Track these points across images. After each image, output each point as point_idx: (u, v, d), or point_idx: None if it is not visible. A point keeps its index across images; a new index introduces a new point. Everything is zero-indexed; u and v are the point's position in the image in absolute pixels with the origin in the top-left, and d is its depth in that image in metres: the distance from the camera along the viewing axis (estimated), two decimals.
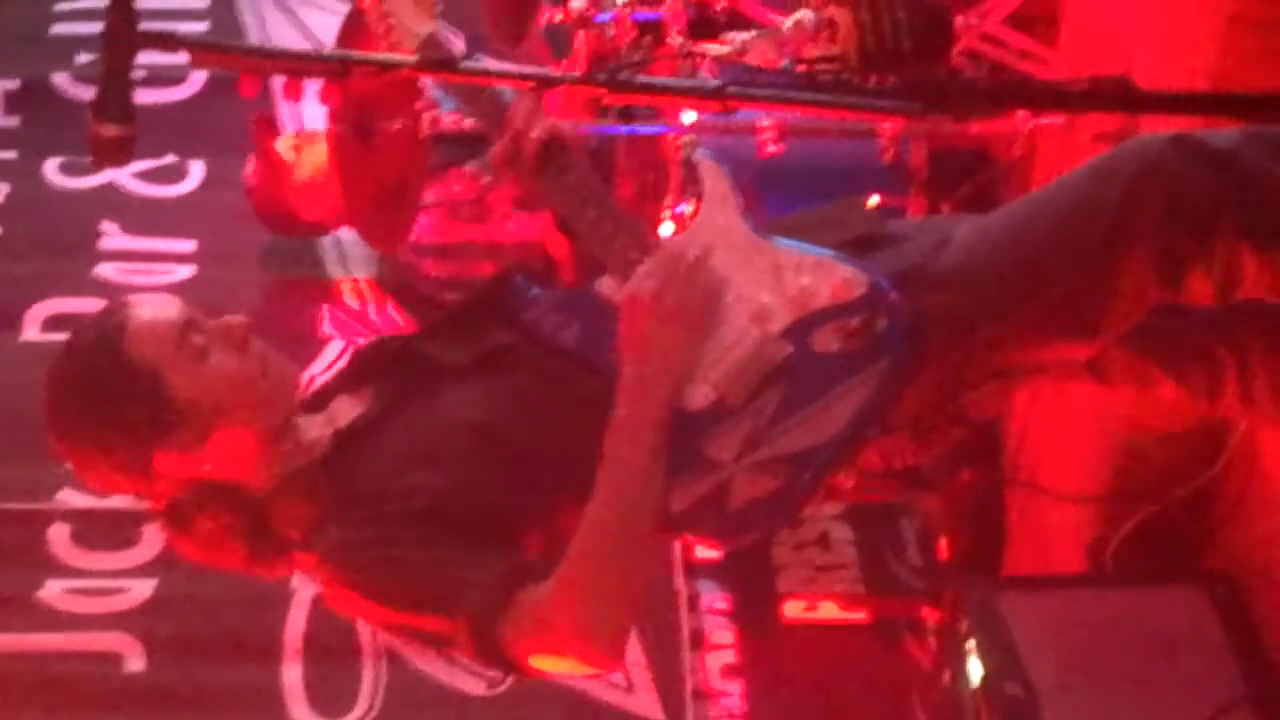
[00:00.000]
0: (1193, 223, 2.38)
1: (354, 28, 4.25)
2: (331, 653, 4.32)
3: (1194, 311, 2.57)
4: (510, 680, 4.24)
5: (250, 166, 5.14)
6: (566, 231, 2.62)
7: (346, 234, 5.20)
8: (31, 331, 5.01)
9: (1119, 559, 3.52)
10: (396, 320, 5.04)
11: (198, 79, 5.62)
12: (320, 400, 2.65)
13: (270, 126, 5.17)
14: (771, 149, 4.00)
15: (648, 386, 2.44)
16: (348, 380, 2.67)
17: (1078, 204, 2.44)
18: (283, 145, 5.12)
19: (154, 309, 2.57)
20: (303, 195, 5.12)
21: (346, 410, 2.60)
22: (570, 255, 2.66)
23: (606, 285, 2.55)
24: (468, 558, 2.40)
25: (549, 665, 2.41)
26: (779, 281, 2.47)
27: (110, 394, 2.50)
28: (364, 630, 4.30)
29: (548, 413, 2.53)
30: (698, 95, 2.36)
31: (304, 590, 4.33)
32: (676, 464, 2.41)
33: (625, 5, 4.24)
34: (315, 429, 2.58)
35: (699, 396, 2.44)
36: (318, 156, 5.03)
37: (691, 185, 2.60)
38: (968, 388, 2.52)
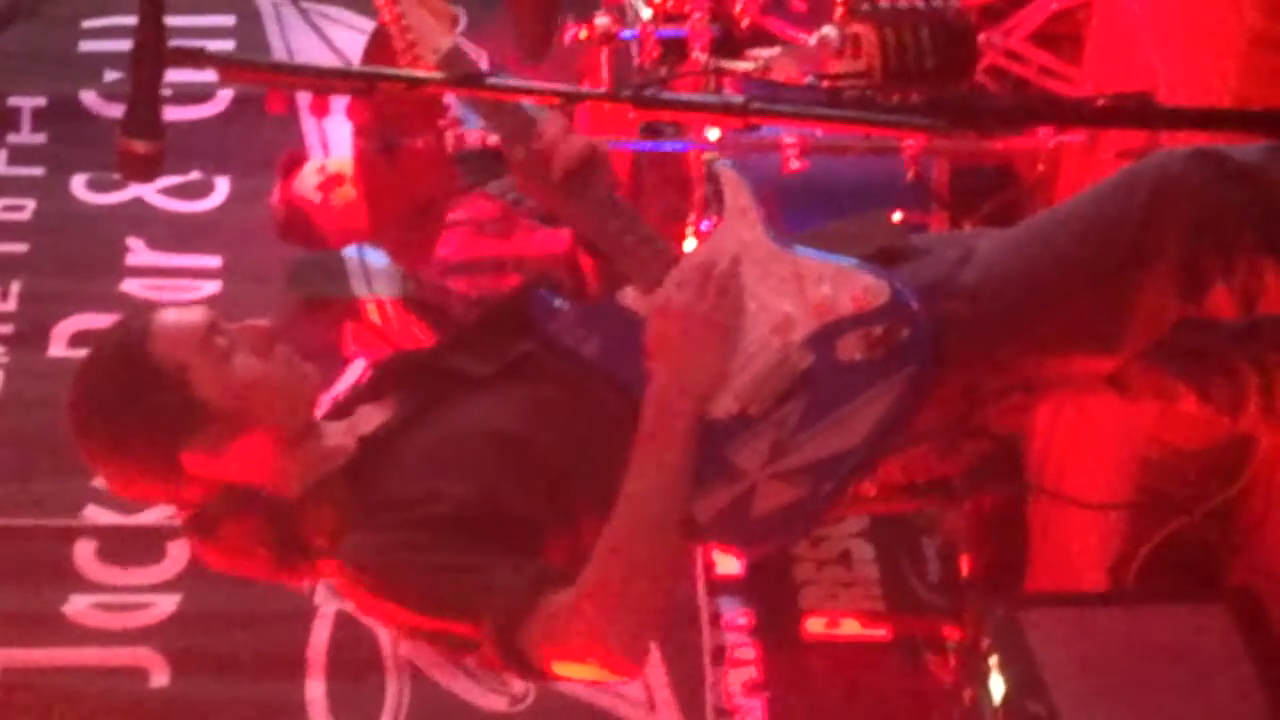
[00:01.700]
0: (1215, 236, 2.39)
1: (378, 45, 4.27)
2: (355, 668, 4.34)
3: (1216, 326, 2.57)
4: (532, 698, 4.25)
5: (274, 197, 5.16)
6: (587, 245, 2.63)
7: (371, 252, 5.22)
8: (58, 347, 5.03)
9: (1142, 576, 3.51)
10: (421, 338, 5.06)
11: (224, 96, 5.63)
12: (345, 410, 2.66)
13: (298, 159, 5.19)
14: (795, 165, 4.01)
15: (676, 395, 2.45)
16: (372, 390, 2.68)
17: (1100, 217, 2.45)
18: (307, 185, 5.12)
19: (178, 313, 2.59)
20: (329, 229, 5.13)
21: (371, 419, 2.61)
22: (594, 267, 2.68)
23: (629, 297, 2.56)
24: (491, 562, 2.41)
25: (572, 671, 2.42)
26: (800, 290, 2.48)
27: (136, 395, 2.52)
28: (387, 646, 4.32)
29: (570, 423, 2.54)
30: (722, 111, 2.37)
31: (327, 606, 4.35)
32: (701, 473, 2.43)
33: (649, 22, 4.26)
34: (339, 436, 2.60)
35: (722, 406, 2.46)
36: (343, 198, 5.04)
37: (715, 201, 2.62)
38: (990, 400, 2.53)
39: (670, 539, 2.42)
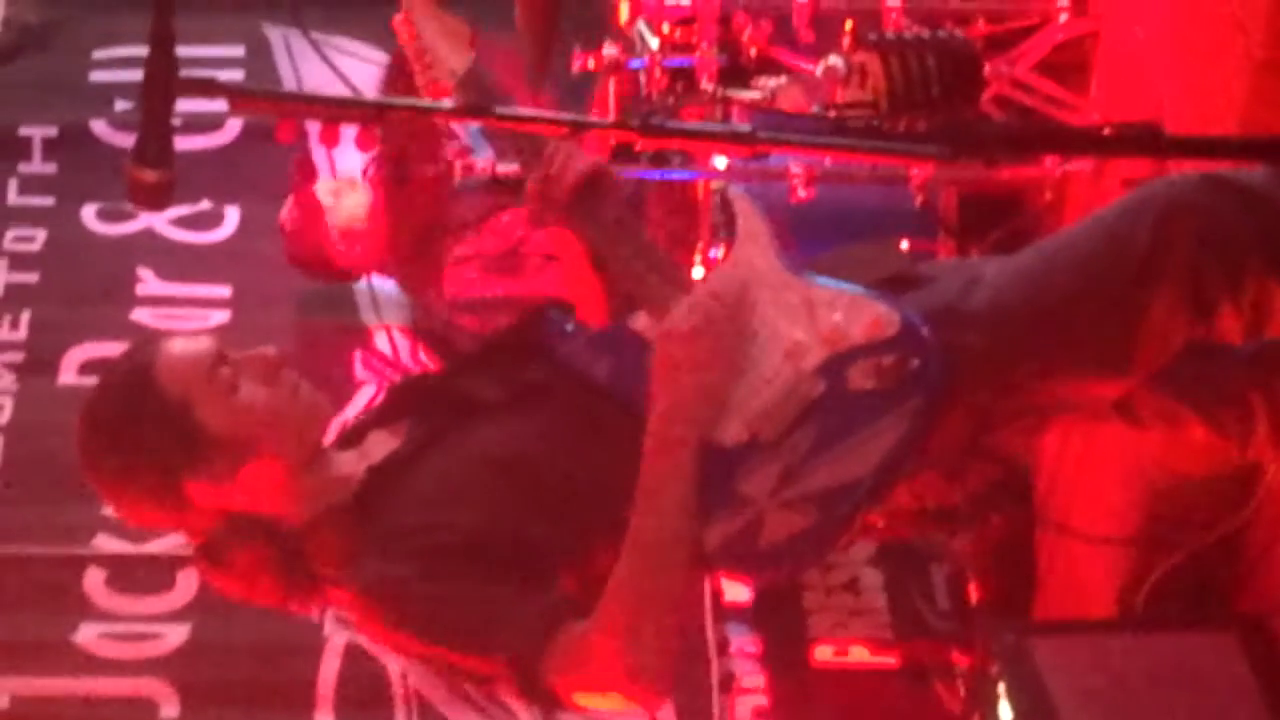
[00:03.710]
0: (1222, 260, 2.40)
1: (395, 74, 4.30)
2: (364, 701, 4.33)
3: (1225, 353, 2.58)
4: None
5: (287, 208, 5.18)
6: (600, 267, 2.64)
7: (380, 281, 5.23)
8: (68, 376, 5.05)
9: (1150, 603, 3.51)
10: (430, 367, 5.07)
11: (233, 126, 5.66)
12: (355, 436, 2.67)
13: (310, 170, 5.20)
14: (802, 194, 4.02)
15: (679, 423, 2.45)
16: (382, 416, 2.69)
17: (1108, 241, 2.46)
18: (322, 189, 5.15)
19: (184, 344, 2.61)
20: (337, 240, 5.15)
21: (381, 446, 2.62)
22: (594, 299, 2.68)
23: (640, 322, 2.57)
24: (505, 593, 2.42)
25: (593, 702, 2.42)
26: (812, 318, 2.49)
27: (141, 426, 2.54)
28: (396, 679, 4.32)
29: (581, 449, 2.55)
30: (729, 140, 2.38)
31: (337, 638, 4.35)
32: (710, 501, 2.43)
33: (657, 52, 4.28)
34: (349, 464, 2.61)
35: (732, 433, 2.46)
36: (355, 203, 5.06)
37: (725, 228, 2.62)
38: (998, 425, 2.53)
39: (680, 567, 2.42)
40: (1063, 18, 4.26)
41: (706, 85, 4.20)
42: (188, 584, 4.47)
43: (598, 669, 2.37)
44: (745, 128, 2.36)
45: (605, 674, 2.37)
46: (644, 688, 2.38)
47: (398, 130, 4.31)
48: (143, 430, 2.54)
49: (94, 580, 4.57)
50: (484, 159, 4.22)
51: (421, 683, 4.29)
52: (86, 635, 4.47)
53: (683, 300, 2.51)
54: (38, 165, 5.74)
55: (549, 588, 2.44)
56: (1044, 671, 3.21)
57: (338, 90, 5.66)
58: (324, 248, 5.16)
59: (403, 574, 2.46)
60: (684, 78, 4.27)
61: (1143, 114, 3.64)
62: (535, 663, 2.37)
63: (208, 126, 5.62)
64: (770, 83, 4.02)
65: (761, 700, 4.35)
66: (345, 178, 5.13)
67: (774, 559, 2.45)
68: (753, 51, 4.30)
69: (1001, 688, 3.26)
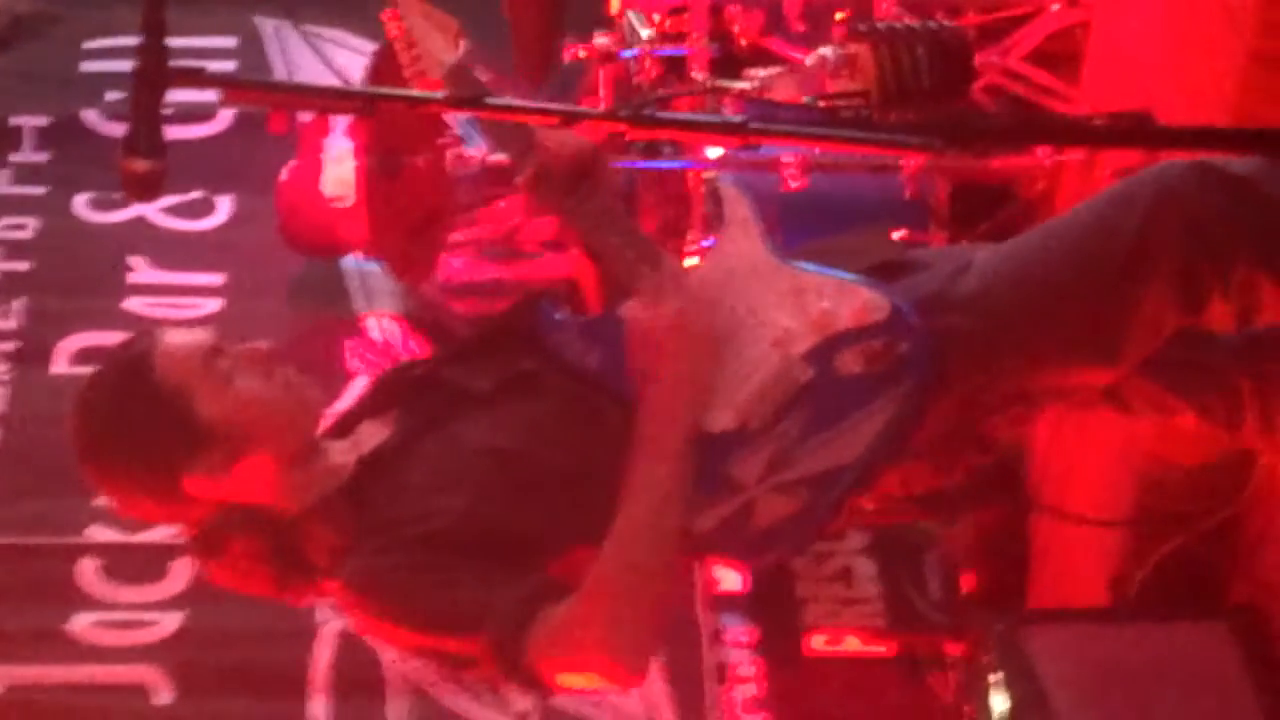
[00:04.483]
0: (1212, 249, 2.40)
1: (383, 63, 4.29)
2: (357, 687, 4.34)
3: (1215, 341, 2.60)
4: (536, 717, 4.26)
5: (289, 166, 5.15)
6: (592, 256, 2.64)
7: (372, 268, 5.24)
8: (61, 365, 5.05)
9: (1143, 592, 3.52)
10: (421, 355, 5.06)
11: (225, 115, 5.68)
12: (346, 426, 2.67)
13: (318, 136, 5.18)
14: (793, 184, 4.02)
15: (670, 405, 2.46)
16: (372, 406, 2.69)
17: (1098, 229, 2.46)
18: (327, 153, 5.13)
19: (180, 336, 2.60)
20: (330, 196, 5.12)
21: (371, 436, 2.62)
22: (596, 284, 2.69)
23: (631, 310, 2.57)
24: (489, 577, 2.42)
25: (573, 681, 2.42)
26: (800, 304, 2.49)
27: (137, 418, 2.53)
28: (389, 665, 4.33)
29: (570, 439, 2.54)
30: (721, 130, 2.38)
31: (330, 624, 4.36)
32: (700, 486, 2.44)
33: (649, 42, 4.28)
34: (340, 454, 2.60)
35: (722, 419, 2.46)
36: (348, 170, 5.03)
37: (716, 218, 2.63)
38: (988, 412, 2.54)
39: (668, 550, 2.42)
40: (1054, 8, 4.27)
41: (698, 75, 4.21)
42: (181, 573, 4.48)
43: (578, 649, 2.37)
44: (737, 118, 2.36)
45: (585, 654, 2.37)
46: (624, 668, 2.38)
47: (388, 122, 4.31)
48: (140, 424, 2.53)
49: (87, 569, 4.57)
50: (477, 149, 4.22)
51: (414, 669, 4.30)
52: (80, 624, 4.47)
53: (664, 285, 2.51)
54: (29, 154, 5.76)
55: (532, 572, 2.45)
56: (1036, 661, 3.22)
57: (328, 81, 5.69)
58: (319, 205, 5.12)
59: (389, 564, 2.46)
60: (676, 68, 4.28)
61: (1134, 104, 3.64)
62: (517, 642, 2.38)
63: (200, 117, 5.64)
64: (762, 73, 4.03)
65: (755, 690, 4.36)
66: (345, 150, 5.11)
67: (765, 544, 2.46)
68: (744, 42, 4.31)
69: (994, 677, 3.27)
